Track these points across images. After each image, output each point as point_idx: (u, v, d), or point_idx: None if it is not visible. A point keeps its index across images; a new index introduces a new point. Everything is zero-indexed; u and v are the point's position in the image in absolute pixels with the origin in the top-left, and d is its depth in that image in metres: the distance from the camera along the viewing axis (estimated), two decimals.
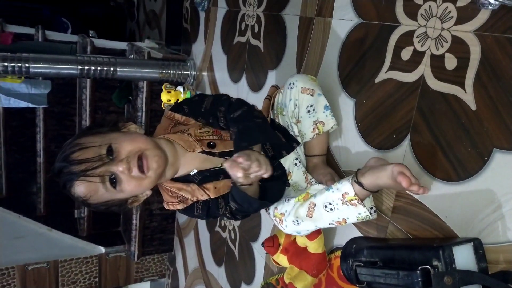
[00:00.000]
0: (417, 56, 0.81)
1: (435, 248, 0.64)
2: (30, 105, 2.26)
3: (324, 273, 1.06)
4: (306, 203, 0.86)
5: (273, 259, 1.18)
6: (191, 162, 0.92)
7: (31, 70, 1.65)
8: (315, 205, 0.84)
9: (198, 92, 1.90)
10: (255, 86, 1.45)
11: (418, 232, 0.82)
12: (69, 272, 2.29)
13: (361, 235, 0.97)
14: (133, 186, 0.84)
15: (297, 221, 0.87)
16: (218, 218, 1.79)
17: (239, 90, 1.56)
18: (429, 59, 0.79)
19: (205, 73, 1.89)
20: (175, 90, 1.82)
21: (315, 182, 0.97)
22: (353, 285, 0.85)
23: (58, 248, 2.31)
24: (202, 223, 2.00)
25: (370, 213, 0.80)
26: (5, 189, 2.75)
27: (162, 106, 1.83)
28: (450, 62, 0.75)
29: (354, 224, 0.98)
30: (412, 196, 0.83)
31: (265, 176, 0.78)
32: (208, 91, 1.85)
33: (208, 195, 0.92)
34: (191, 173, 0.93)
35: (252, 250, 1.53)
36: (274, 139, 0.95)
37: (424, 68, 0.80)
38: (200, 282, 2.07)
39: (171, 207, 0.95)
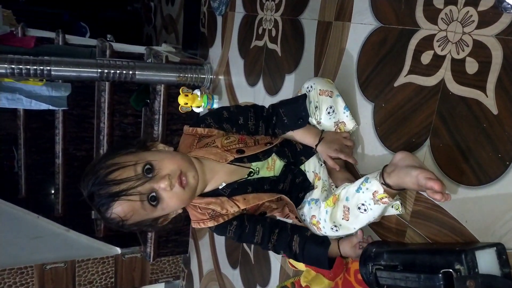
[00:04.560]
0: (438, 60, 0.81)
1: (458, 252, 0.64)
2: (51, 107, 2.32)
3: (341, 277, 1.06)
4: (339, 206, 0.87)
5: (289, 261, 1.18)
6: (219, 176, 0.93)
7: (52, 73, 1.69)
8: (348, 209, 0.85)
9: (214, 96, 1.91)
10: (272, 90, 1.46)
11: (437, 236, 0.82)
12: (86, 272, 2.32)
13: (379, 239, 0.97)
14: (174, 201, 0.86)
15: (335, 227, 0.88)
16: None
17: (256, 94, 1.57)
18: (449, 63, 0.79)
19: (221, 77, 1.90)
20: (192, 94, 1.84)
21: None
22: None
23: (75, 248, 2.36)
24: None
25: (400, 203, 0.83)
26: (24, 190, 2.81)
27: (179, 109, 1.86)
28: (471, 66, 0.74)
29: (372, 227, 0.98)
30: (432, 200, 0.83)
31: (351, 161, 0.95)
32: (225, 95, 1.87)
33: (238, 206, 0.92)
34: (220, 187, 0.93)
35: (267, 253, 1.53)
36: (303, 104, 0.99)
37: (445, 72, 0.80)
38: (214, 284, 2.08)
39: (202, 225, 0.94)
